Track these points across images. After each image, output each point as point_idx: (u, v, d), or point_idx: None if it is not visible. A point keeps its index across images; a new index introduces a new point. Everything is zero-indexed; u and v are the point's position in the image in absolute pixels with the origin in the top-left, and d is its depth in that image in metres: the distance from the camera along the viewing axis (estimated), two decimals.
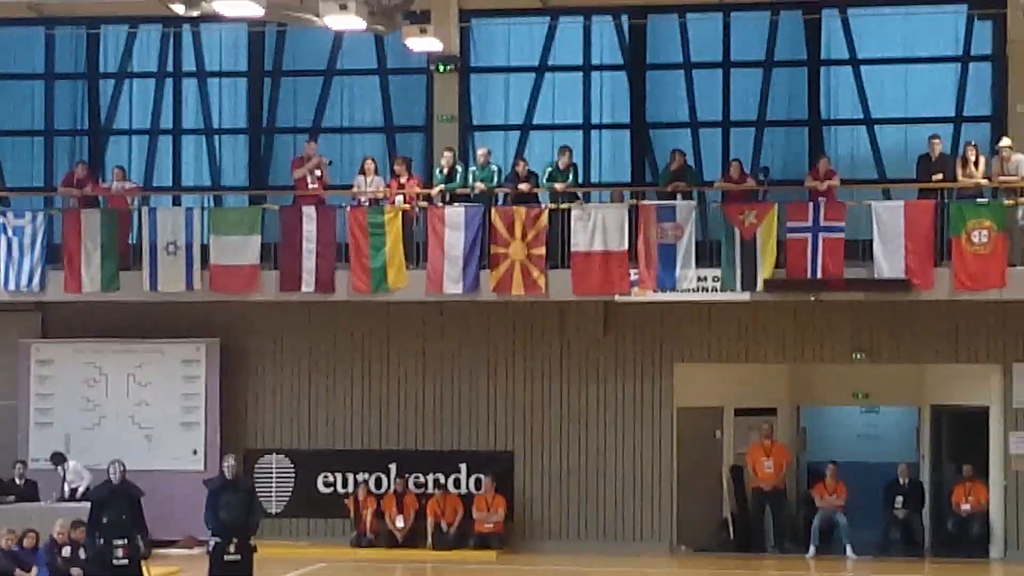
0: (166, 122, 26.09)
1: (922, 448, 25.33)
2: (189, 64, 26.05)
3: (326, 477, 24.69)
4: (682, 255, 22.43)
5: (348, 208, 23.61)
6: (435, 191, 23.52)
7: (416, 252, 23.40)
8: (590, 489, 24.07)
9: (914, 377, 24.89)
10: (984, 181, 22.40)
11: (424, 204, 23.47)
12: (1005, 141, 22.57)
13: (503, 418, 24.36)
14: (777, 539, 24.21)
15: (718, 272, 22.41)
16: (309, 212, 23.36)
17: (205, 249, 23.63)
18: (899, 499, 23.88)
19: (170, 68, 26.10)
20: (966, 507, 23.50)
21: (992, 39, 24.38)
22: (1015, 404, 23.23)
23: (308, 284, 23.25)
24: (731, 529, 24.46)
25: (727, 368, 24.30)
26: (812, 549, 23.62)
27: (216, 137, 25.96)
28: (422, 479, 24.45)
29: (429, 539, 23.82)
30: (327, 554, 23.26)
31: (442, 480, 24.34)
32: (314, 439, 24.80)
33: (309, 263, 23.23)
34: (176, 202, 25.43)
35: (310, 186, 23.77)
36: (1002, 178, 22.29)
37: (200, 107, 26.08)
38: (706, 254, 22.75)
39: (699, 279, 22.47)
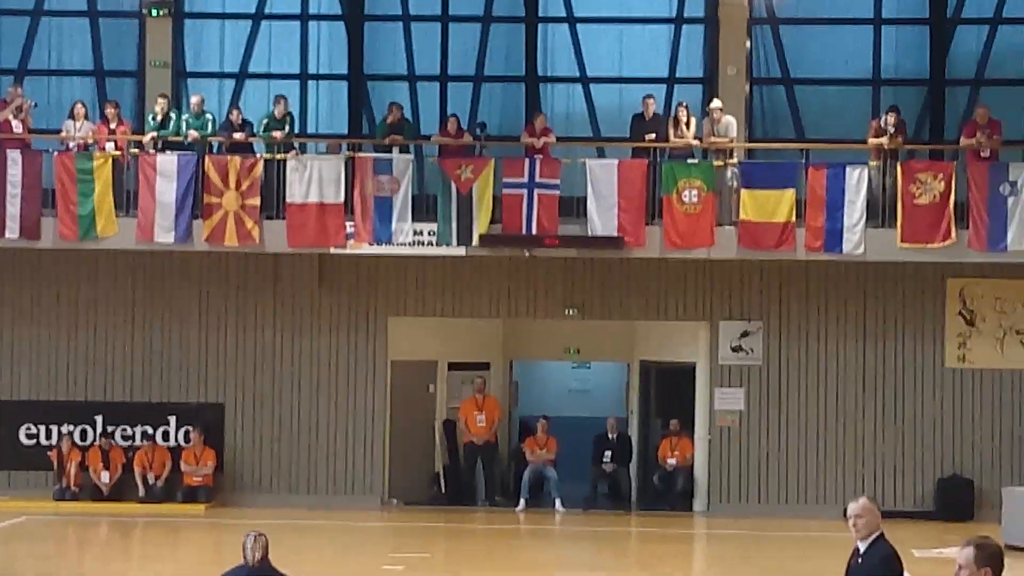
0: None
1: (631, 403, 25.82)
2: None
3: (28, 428, 23.97)
4: (398, 209, 22.35)
5: (56, 153, 22.89)
6: (147, 138, 22.97)
7: (127, 200, 22.84)
8: (302, 442, 23.89)
9: (625, 333, 25.32)
10: (695, 142, 22.85)
11: (136, 151, 22.91)
12: (716, 103, 23.06)
13: (214, 370, 23.99)
14: (488, 493, 24.41)
15: (434, 226, 22.41)
16: (14, 156, 22.58)
17: None
18: (608, 453, 24.28)
19: None
20: (672, 461, 24.04)
21: (705, 2, 24.88)
22: (721, 361, 23.81)
23: (12, 230, 22.49)
24: (442, 483, 24.56)
25: (441, 322, 24.35)
26: (522, 502, 23.88)
27: None
28: (129, 431, 23.95)
29: (140, 492, 23.36)
30: (28, 507, 22.61)
31: (150, 432, 23.85)
32: (16, 390, 24.04)
33: (13, 209, 22.46)
34: None
35: (15, 130, 22.96)
36: (712, 139, 22.77)
37: None
38: (422, 208, 22.72)
39: (415, 233, 22.43)
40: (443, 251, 22.58)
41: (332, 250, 22.79)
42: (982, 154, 22.30)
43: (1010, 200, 21.90)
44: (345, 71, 25.29)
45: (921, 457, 23.54)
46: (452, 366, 25.08)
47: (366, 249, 22.61)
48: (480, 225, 22.31)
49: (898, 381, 23.66)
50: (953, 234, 21.98)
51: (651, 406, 25.38)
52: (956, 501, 23.24)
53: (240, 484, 23.90)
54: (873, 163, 22.42)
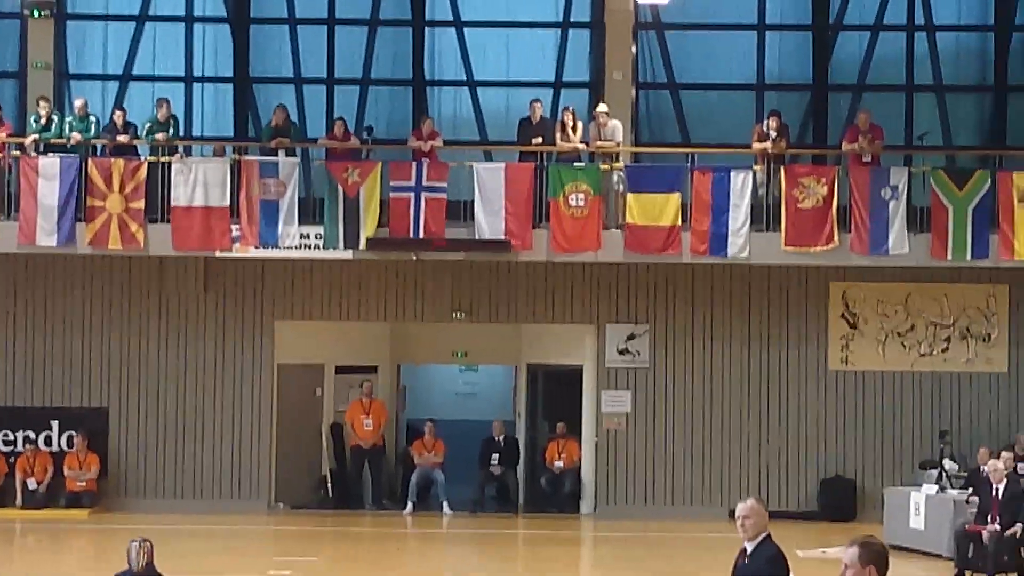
0: None
1: (518, 406, 25.87)
2: None
3: None
4: (284, 212, 22.24)
5: None
6: (29, 140, 22.68)
7: (8, 203, 22.54)
8: (187, 447, 23.69)
9: (512, 337, 25.36)
10: (582, 146, 22.95)
11: (17, 153, 22.60)
12: (602, 107, 23.18)
13: (98, 374, 23.73)
14: (375, 496, 24.35)
15: (321, 230, 22.32)
16: None
17: None
18: (495, 456, 24.29)
19: None
20: (559, 464, 24.12)
21: (591, 7, 25.02)
22: (607, 364, 23.93)
23: None
24: (329, 486, 24.47)
25: (328, 326, 24.25)
26: (410, 506, 23.85)
27: None
28: (11, 436, 23.61)
29: (18, 498, 23.04)
30: None
31: (32, 437, 23.54)
32: None
33: None
34: None
35: None
36: (599, 143, 22.88)
37: None
38: (309, 211, 22.63)
39: (302, 236, 22.33)
40: (330, 254, 22.50)
41: (217, 253, 22.64)
42: (864, 159, 22.59)
43: (891, 204, 22.20)
44: (230, 73, 25.13)
45: (805, 458, 23.80)
46: (339, 369, 24.99)
47: (252, 252, 22.47)
48: (367, 228, 22.24)
49: (782, 383, 23.91)
50: (836, 238, 22.24)
51: (538, 409, 25.45)
52: (839, 501, 23.53)
53: (125, 489, 23.65)
54: (757, 167, 22.65)
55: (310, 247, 22.38)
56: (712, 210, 22.34)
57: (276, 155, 22.75)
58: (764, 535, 9.42)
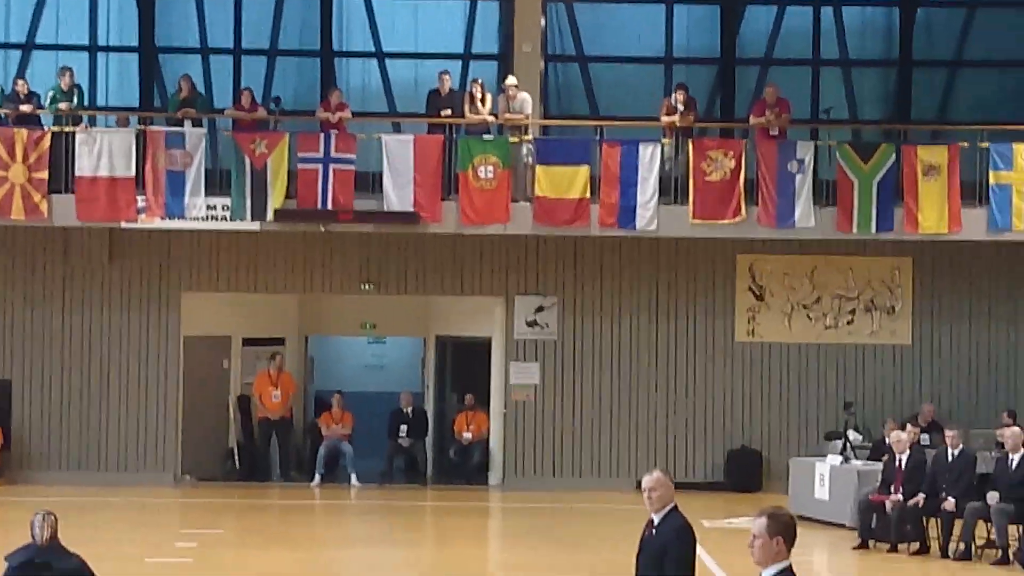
0: None
1: (427, 378, 25.86)
2: None
3: None
4: (191, 183, 22.04)
5: None
6: None
7: None
8: (92, 419, 23.48)
9: (420, 308, 25.34)
10: (491, 118, 22.90)
11: None
12: (511, 79, 23.14)
13: (0, 346, 23.45)
14: (283, 468, 24.27)
15: (228, 201, 22.14)
16: None
17: None
18: (403, 428, 24.29)
19: None
20: (467, 435, 24.15)
21: None
22: (516, 335, 23.95)
23: None
24: (237, 458, 24.35)
25: (236, 297, 24.10)
26: (317, 478, 23.79)
27: None
28: None
29: None
30: None
31: None
32: None
33: None
34: None
35: None
36: (507, 115, 22.85)
37: None
38: (216, 182, 22.44)
39: (208, 207, 22.15)
40: (237, 226, 22.34)
41: (123, 224, 22.42)
42: (771, 132, 22.72)
43: (798, 178, 22.35)
44: (136, 43, 24.86)
45: (712, 429, 23.96)
46: (247, 341, 24.86)
47: (158, 224, 22.27)
48: (275, 200, 22.10)
49: (690, 355, 24.05)
50: (743, 211, 22.36)
51: (447, 381, 25.47)
52: (745, 472, 23.73)
53: (28, 462, 23.41)
54: (665, 140, 22.71)
55: (217, 218, 22.20)
56: (620, 183, 22.38)
57: (182, 126, 22.53)
58: (671, 506, 9.45)
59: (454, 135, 22.77)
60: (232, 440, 24.47)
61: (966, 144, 22.51)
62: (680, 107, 22.78)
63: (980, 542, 18.02)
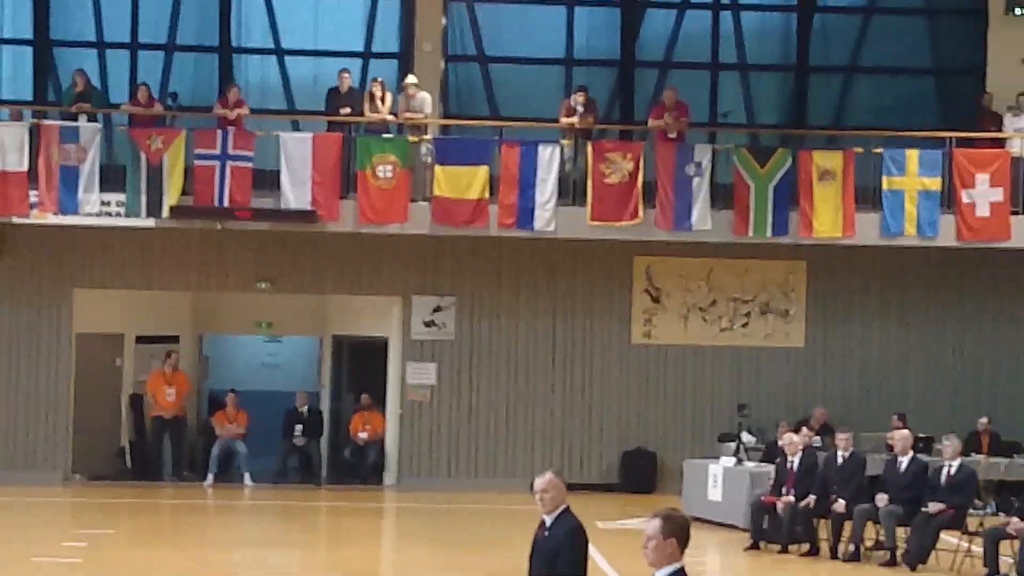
0: None
1: (323, 377, 25.75)
2: None
3: None
4: (85, 178, 21.78)
5: None
6: None
7: None
8: None
9: (317, 308, 25.23)
10: (390, 117, 22.85)
11: None
12: (411, 78, 23.09)
13: None
14: (175, 467, 24.06)
15: (123, 197, 21.90)
16: None
17: None
18: (298, 427, 24.17)
19: None
20: (363, 435, 24.07)
21: None
22: (413, 335, 23.91)
23: None
24: (128, 457, 24.12)
25: (129, 294, 23.86)
26: (210, 477, 23.62)
27: None
28: None
29: None
30: None
31: None
32: None
33: None
34: None
35: None
36: (407, 115, 22.80)
37: None
38: (111, 178, 22.18)
39: (103, 203, 21.89)
40: (132, 222, 22.12)
41: (14, 219, 22.12)
42: (669, 135, 22.83)
43: (695, 181, 22.47)
44: (30, 36, 24.54)
45: (607, 431, 24.05)
46: (140, 339, 24.63)
47: (51, 219, 22.00)
48: (170, 197, 21.89)
49: (586, 357, 24.12)
50: (640, 213, 22.45)
51: (343, 380, 25.37)
52: (640, 473, 23.84)
53: None
54: (565, 142, 22.76)
55: (111, 214, 21.96)
56: (519, 184, 22.39)
57: (77, 120, 22.28)
58: (563, 508, 9.47)
59: (353, 134, 22.68)
60: (124, 439, 24.24)
61: (860, 150, 22.75)
62: (580, 109, 22.83)
63: (869, 543, 18.22)
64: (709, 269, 24.25)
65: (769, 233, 22.61)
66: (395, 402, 24.06)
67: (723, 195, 22.75)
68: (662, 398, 24.21)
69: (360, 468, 24.11)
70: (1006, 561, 16.82)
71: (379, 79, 23.11)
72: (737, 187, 22.64)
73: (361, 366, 25.08)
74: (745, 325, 24.36)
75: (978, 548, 17.22)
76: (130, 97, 23.07)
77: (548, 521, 9.50)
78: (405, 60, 24.56)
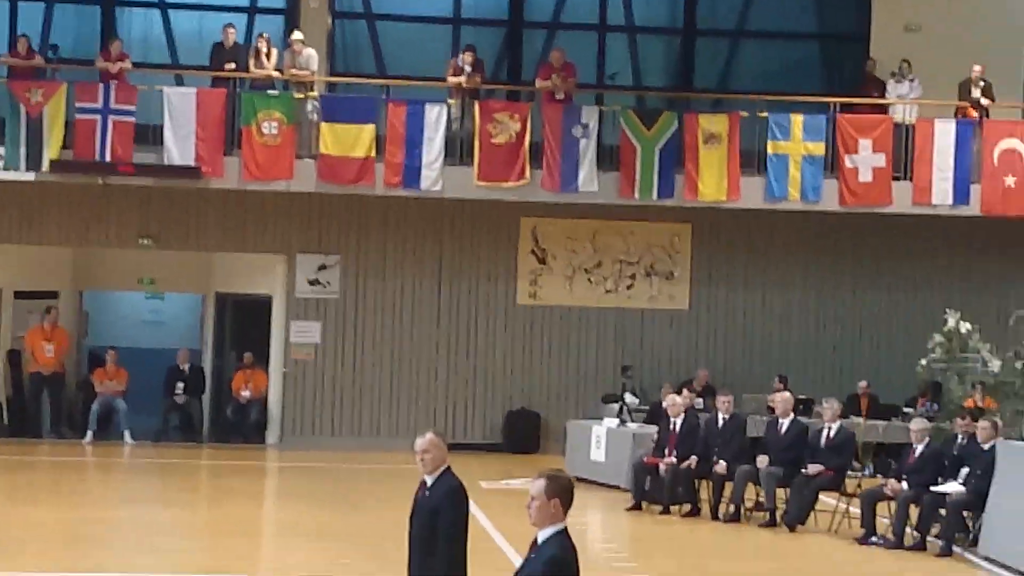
0: None
1: (205, 335, 25.52)
2: None
3: None
4: None
5: None
6: None
7: None
8: None
9: (201, 265, 24.97)
10: (276, 73, 22.64)
11: None
12: (297, 35, 22.88)
13: None
14: (54, 424, 23.77)
15: (1, 150, 21.54)
16: None
17: None
18: (180, 385, 23.96)
19: None
20: (246, 394, 23.91)
21: None
22: (298, 294, 23.78)
23: None
24: (5, 414, 23.78)
25: (7, 249, 23.49)
26: (90, 434, 23.36)
27: None
28: None
29: None
30: None
31: None
32: None
33: None
34: None
35: None
36: (293, 71, 22.60)
37: None
38: None
39: None
40: (11, 176, 21.75)
41: None
42: (557, 96, 22.82)
43: (582, 142, 22.49)
44: None
45: (492, 391, 24.08)
46: (19, 294, 24.26)
47: None
48: (51, 150, 21.57)
49: (472, 317, 24.11)
50: (527, 174, 22.44)
51: (226, 338, 25.15)
52: (523, 434, 23.90)
53: None
54: (452, 101, 22.67)
55: None
56: (406, 143, 22.30)
57: None
58: (444, 468, 9.43)
59: (238, 90, 22.44)
60: (1, 395, 23.87)
61: (746, 114, 22.89)
62: (467, 68, 22.75)
63: (750, 504, 18.39)
64: (595, 231, 24.32)
65: (655, 196, 22.70)
66: (278, 360, 23.92)
67: (609, 157, 22.79)
68: (547, 359, 24.26)
69: (242, 426, 23.95)
70: (883, 522, 17.06)
71: (265, 35, 22.89)
72: (623, 149, 22.69)
73: (244, 324, 24.88)
74: (630, 287, 24.47)
75: (856, 509, 17.46)
76: (9, 49, 22.67)
77: (429, 481, 9.47)
78: (291, 16, 24.34)
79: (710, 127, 22.73)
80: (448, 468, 9.48)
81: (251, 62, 22.57)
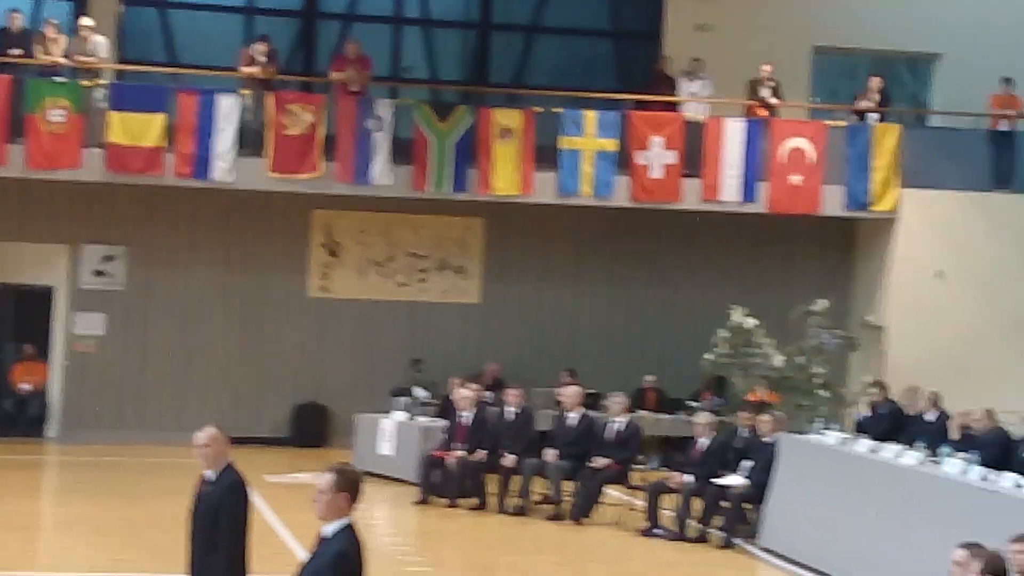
0: None
1: None
2: None
3: None
4: None
5: None
6: None
7: None
8: None
9: None
10: (63, 60, 22.15)
11: None
12: (85, 21, 22.43)
13: None
14: None
15: None
16: None
17: None
18: None
19: None
20: (26, 386, 23.40)
21: None
22: (81, 285, 23.33)
23: None
24: None
25: None
26: None
27: None
28: None
29: None
30: None
31: None
32: None
33: None
34: None
35: None
36: (81, 58, 22.14)
37: None
38: None
39: None
40: None
41: None
42: (351, 88, 22.71)
43: (376, 135, 22.41)
44: None
45: (280, 384, 23.88)
46: None
47: None
48: None
49: (261, 309, 23.90)
50: (320, 166, 22.30)
51: (6, 329, 24.53)
52: (311, 427, 23.78)
53: None
54: (245, 92, 22.42)
55: None
56: (197, 133, 22.01)
57: None
58: (226, 463, 9.37)
59: (23, 76, 21.90)
60: None
61: (540, 109, 23.03)
62: (262, 59, 22.52)
63: (537, 498, 18.52)
64: (388, 224, 24.27)
65: (448, 189, 22.72)
66: (60, 353, 23.44)
67: (404, 150, 22.73)
68: (337, 352, 24.15)
69: (21, 420, 23.41)
70: (666, 515, 17.31)
71: (52, 20, 22.38)
72: (417, 143, 22.66)
73: (25, 315, 24.27)
74: (422, 281, 24.46)
75: (641, 502, 17.69)
76: None
77: (211, 476, 9.40)
78: (80, 2, 23.85)
79: (504, 122, 22.82)
80: (230, 463, 9.40)
81: (37, 48, 22.04)
